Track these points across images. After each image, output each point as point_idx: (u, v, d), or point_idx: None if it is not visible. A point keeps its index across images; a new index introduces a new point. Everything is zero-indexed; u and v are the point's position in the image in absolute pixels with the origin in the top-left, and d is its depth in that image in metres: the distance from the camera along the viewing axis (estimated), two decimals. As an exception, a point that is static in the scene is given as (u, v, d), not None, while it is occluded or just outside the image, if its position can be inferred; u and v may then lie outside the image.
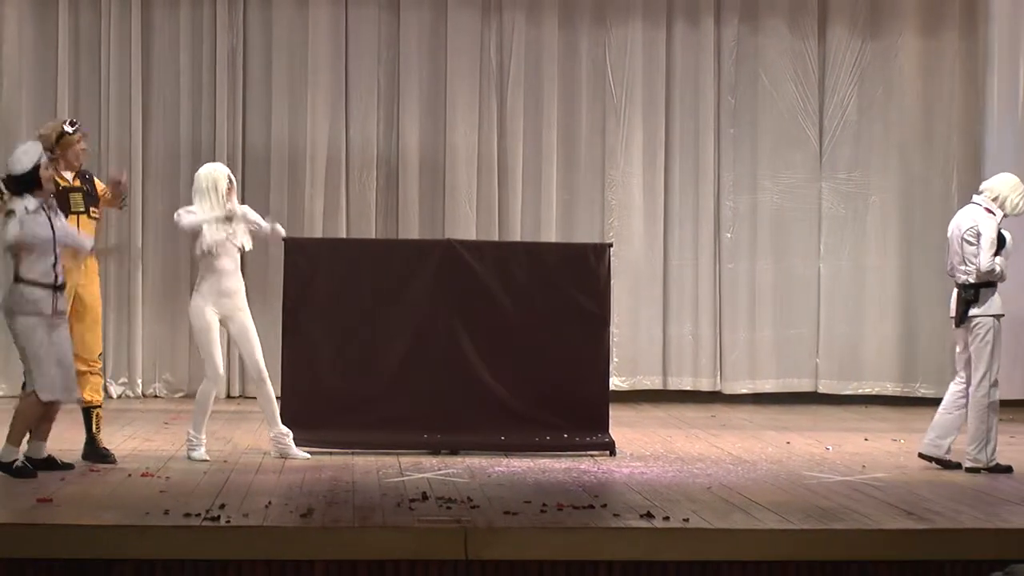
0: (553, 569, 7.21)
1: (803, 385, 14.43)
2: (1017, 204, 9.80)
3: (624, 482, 9.04)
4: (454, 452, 10.09)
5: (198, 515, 7.40)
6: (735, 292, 14.42)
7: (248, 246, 9.87)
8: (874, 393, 14.40)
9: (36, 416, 8.89)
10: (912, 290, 14.43)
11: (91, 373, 9.52)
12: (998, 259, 9.69)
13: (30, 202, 8.76)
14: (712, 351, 14.37)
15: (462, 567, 7.14)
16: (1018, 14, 14.17)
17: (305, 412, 10.08)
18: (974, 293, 9.74)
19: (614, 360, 13.22)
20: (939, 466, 9.83)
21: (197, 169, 10.00)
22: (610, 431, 10.36)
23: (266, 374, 9.79)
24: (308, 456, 9.78)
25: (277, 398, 9.99)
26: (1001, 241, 9.76)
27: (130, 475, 8.90)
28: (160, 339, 13.88)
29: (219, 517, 7.36)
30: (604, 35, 14.32)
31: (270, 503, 7.86)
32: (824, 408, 13.99)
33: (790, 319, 14.43)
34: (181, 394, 13.56)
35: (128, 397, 13.62)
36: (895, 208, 14.49)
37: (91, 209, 9.56)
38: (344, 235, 13.89)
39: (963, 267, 9.77)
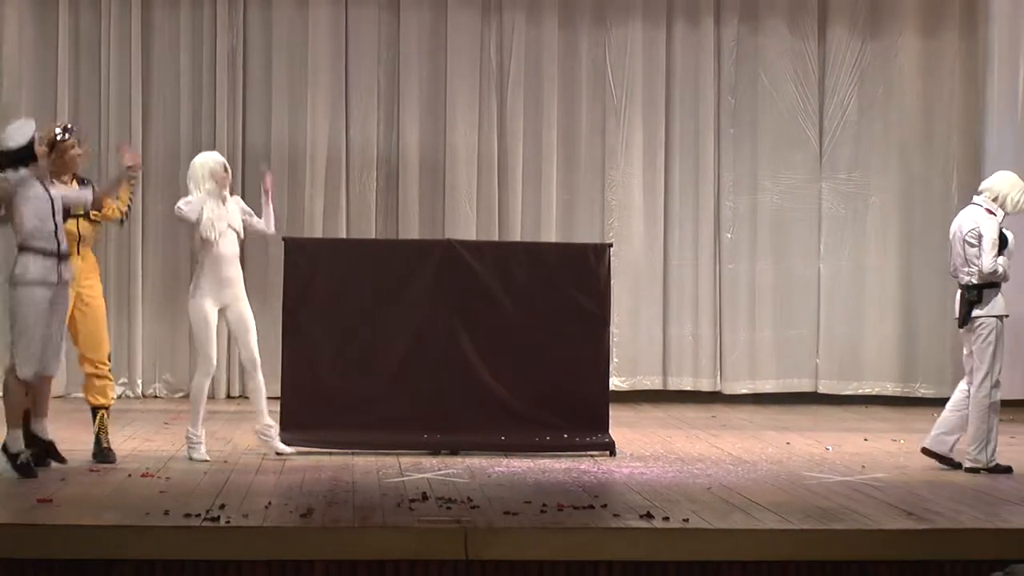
0: (553, 569, 7.21)
1: (803, 385, 14.42)
2: (1018, 202, 9.79)
3: (624, 482, 9.05)
4: (454, 452, 10.09)
5: (198, 515, 7.41)
6: (735, 292, 14.41)
7: (242, 233, 9.87)
8: (874, 393, 14.39)
9: (22, 392, 8.88)
10: (912, 290, 14.42)
11: (98, 376, 9.53)
12: (1001, 259, 9.69)
13: (24, 174, 8.80)
14: (712, 351, 14.37)
15: (462, 567, 7.14)
16: (1018, 14, 14.17)
17: (305, 412, 10.08)
18: (977, 294, 9.72)
19: (614, 360, 13.22)
20: (941, 463, 9.82)
21: (197, 169, 10.01)
22: (610, 431, 10.36)
23: (259, 364, 9.80)
24: (291, 451, 9.79)
25: (277, 398, 9.99)
26: (1003, 241, 9.75)
27: (130, 475, 8.90)
28: (160, 339, 13.88)
29: (219, 517, 7.37)
30: (604, 35, 14.32)
31: (270, 503, 7.86)
32: (824, 408, 13.98)
33: (790, 319, 14.43)
34: (181, 394, 13.55)
35: (128, 397, 13.61)
36: (895, 208, 14.48)
37: (90, 212, 9.56)
38: (344, 235, 13.89)
39: (966, 268, 9.76)
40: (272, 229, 10.11)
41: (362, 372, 10.23)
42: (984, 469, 9.63)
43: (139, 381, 13.79)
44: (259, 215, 10.01)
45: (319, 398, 10.12)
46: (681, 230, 14.39)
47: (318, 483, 8.71)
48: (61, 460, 9.17)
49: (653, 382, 14.30)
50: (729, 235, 14.41)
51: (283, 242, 10.52)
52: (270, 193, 10.05)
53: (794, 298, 14.44)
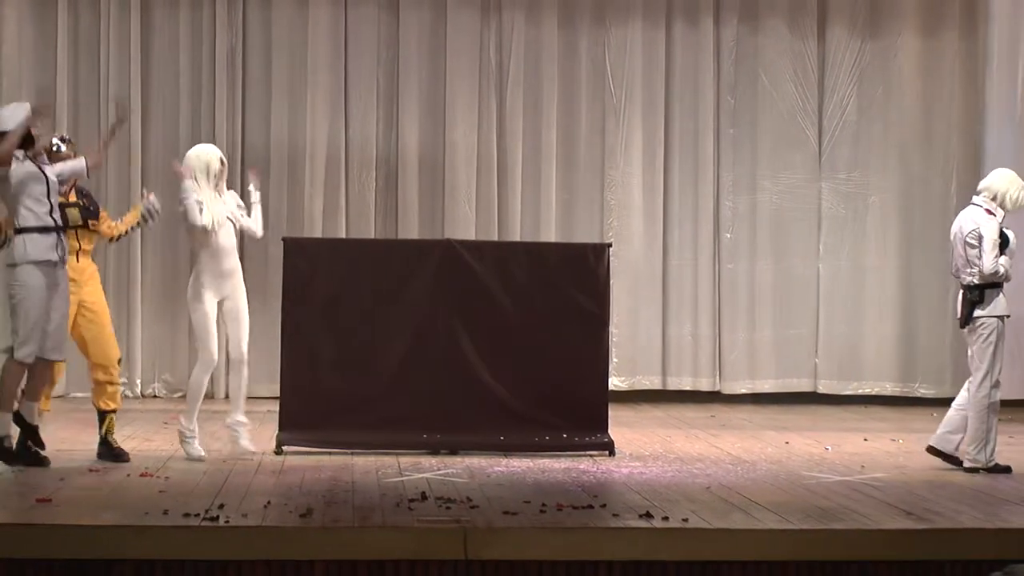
0: (552, 569, 7.21)
1: (802, 385, 14.42)
2: (1016, 199, 9.78)
3: (623, 482, 9.04)
4: (453, 452, 10.09)
5: (197, 515, 7.40)
6: (734, 292, 14.41)
7: (237, 225, 9.87)
8: (873, 393, 14.39)
9: (19, 376, 8.90)
10: (911, 290, 14.42)
11: (109, 383, 9.55)
12: (1002, 259, 9.68)
13: (20, 155, 8.83)
14: (711, 351, 14.37)
15: (461, 567, 7.14)
16: (1018, 14, 14.17)
17: (305, 412, 10.08)
18: (979, 294, 9.72)
19: (613, 360, 13.21)
20: (946, 462, 9.81)
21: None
22: (609, 431, 10.36)
23: (247, 359, 9.79)
24: (255, 451, 9.74)
25: (276, 398, 9.98)
26: (1004, 241, 9.75)
27: (129, 475, 8.90)
28: (159, 339, 13.88)
29: (218, 517, 7.36)
30: (603, 35, 14.32)
31: (269, 503, 7.86)
32: (823, 408, 13.98)
33: (789, 319, 14.43)
34: (180, 394, 13.54)
35: (127, 397, 13.55)
36: (894, 208, 14.48)
37: (90, 222, 9.57)
38: (343, 235, 13.89)
39: (968, 269, 9.76)
40: (260, 231, 10.05)
41: (361, 372, 10.23)
42: (983, 469, 9.63)
43: (138, 381, 13.79)
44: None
45: (318, 398, 10.12)
46: (680, 230, 14.39)
47: (317, 483, 8.70)
48: (40, 446, 9.15)
49: (652, 382, 14.30)
50: (728, 235, 14.40)
51: (282, 242, 10.51)
52: (258, 191, 10.01)
53: (793, 298, 14.44)
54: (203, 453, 9.60)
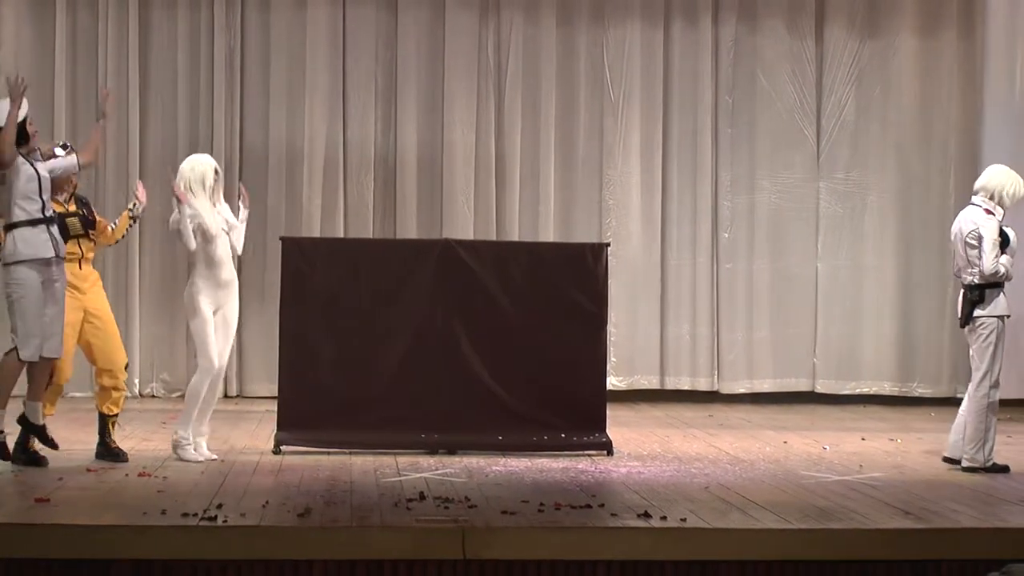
0: (551, 569, 7.21)
1: (800, 385, 14.43)
2: (1014, 193, 9.77)
3: (622, 482, 9.05)
4: (452, 452, 10.09)
5: (195, 515, 7.41)
6: (733, 292, 14.41)
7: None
8: (871, 393, 14.39)
9: (16, 373, 8.90)
10: (910, 290, 14.42)
11: (115, 388, 9.58)
12: (1003, 259, 9.67)
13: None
14: (710, 351, 14.37)
15: (460, 567, 7.15)
16: (1015, 14, 14.17)
17: (303, 412, 10.08)
18: (979, 294, 9.71)
19: (612, 360, 13.22)
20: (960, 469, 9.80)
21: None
22: (607, 431, 10.36)
23: (224, 372, 9.77)
24: (200, 459, 9.54)
25: (275, 398, 9.96)
26: (1005, 239, 9.74)
27: (127, 475, 8.90)
28: (158, 339, 13.88)
29: (216, 517, 7.37)
30: (602, 35, 14.32)
31: (267, 503, 7.86)
32: (821, 408, 13.98)
33: (788, 319, 14.43)
34: (178, 394, 13.54)
35: (126, 397, 13.58)
36: (893, 208, 14.49)
37: (89, 232, 9.57)
38: (342, 235, 13.88)
39: (969, 269, 9.75)
40: (240, 249, 9.93)
41: (360, 372, 10.23)
42: (981, 468, 9.63)
43: (136, 381, 13.79)
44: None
45: (317, 398, 10.12)
46: (679, 230, 14.39)
47: (316, 483, 8.71)
48: (52, 445, 9.16)
49: (651, 381, 14.30)
50: (727, 235, 14.41)
51: (280, 242, 10.52)
52: (247, 209, 9.95)
53: (792, 298, 14.44)
54: (201, 458, 9.54)
